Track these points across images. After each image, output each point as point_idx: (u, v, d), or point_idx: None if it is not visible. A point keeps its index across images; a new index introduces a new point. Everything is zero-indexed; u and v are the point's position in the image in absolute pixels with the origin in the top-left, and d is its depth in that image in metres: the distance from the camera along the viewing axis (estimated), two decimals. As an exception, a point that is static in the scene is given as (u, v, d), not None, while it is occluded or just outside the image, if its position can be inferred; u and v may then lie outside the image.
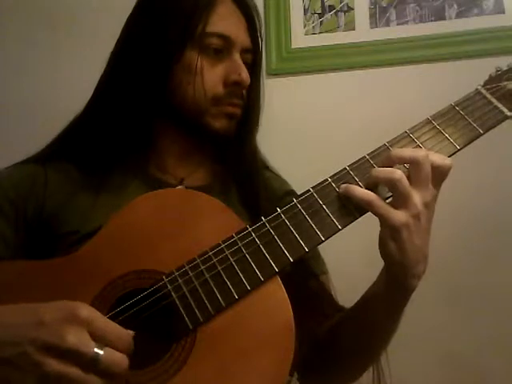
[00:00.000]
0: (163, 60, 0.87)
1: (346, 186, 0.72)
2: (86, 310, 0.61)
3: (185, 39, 0.87)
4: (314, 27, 1.54)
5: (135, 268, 0.73)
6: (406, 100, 1.43)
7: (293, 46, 1.54)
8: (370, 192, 0.71)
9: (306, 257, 0.73)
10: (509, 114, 0.77)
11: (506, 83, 0.79)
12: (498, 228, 1.33)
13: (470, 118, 0.76)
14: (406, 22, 1.49)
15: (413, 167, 0.69)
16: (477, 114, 0.77)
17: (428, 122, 0.77)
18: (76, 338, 0.59)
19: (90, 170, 0.89)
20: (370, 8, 1.51)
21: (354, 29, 1.52)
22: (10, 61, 1.70)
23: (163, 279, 0.71)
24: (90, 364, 0.59)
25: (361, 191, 0.71)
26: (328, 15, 1.54)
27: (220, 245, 0.72)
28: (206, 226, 0.75)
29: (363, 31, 1.51)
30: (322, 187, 0.74)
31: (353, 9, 1.52)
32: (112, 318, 0.67)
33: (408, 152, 0.71)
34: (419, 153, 0.70)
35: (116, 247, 0.75)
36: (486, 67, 0.82)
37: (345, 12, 1.53)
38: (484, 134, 0.77)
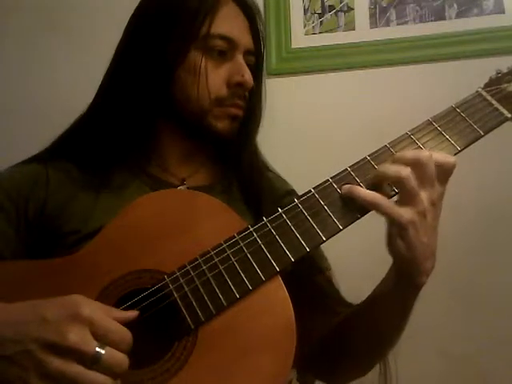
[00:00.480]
0: (167, 61, 0.88)
1: (349, 187, 0.73)
2: (89, 308, 0.61)
3: (189, 40, 0.87)
4: (313, 27, 1.54)
5: (136, 268, 0.74)
6: (406, 100, 1.43)
7: (293, 46, 1.54)
8: (373, 192, 0.72)
9: (311, 253, 0.73)
10: (509, 115, 0.77)
11: (506, 85, 0.79)
12: (498, 228, 1.34)
13: (470, 119, 0.77)
14: (406, 22, 1.49)
15: (417, 168, 0.70)
16: (477, 115, 0.77)
17: (429, 123, 0.77)
18: (78, 337, 0.59)
19: (91, 169, 0.89)
20: (370, 8, 1.51)
21: (353, 29, 1.52)
22: (10, 61, 1.69)
23: (165, 279, 0.72)
24: (92, 363, 0.59)
25: (364, 192, 0.72)
26: (328, 15, 1.54)
27: (222, 244, 0.72)
28: (207, 226, 0.75)
29: (363, 31, 1.51)
30: (323, 188, 0.74)
31: (353, 9, 1.53)
32: (113, 318, 0.67)
33: (411, 153, 0.71)
34: (422, 153, 0.70)
35: (117, 247, 0.75)
36: (486, 67, 0.83)
37: (345, 12, 1.53)
38: (484, 135, 0.77)
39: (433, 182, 0.70)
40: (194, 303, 0.70)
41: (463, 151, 0.76)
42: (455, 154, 0.75)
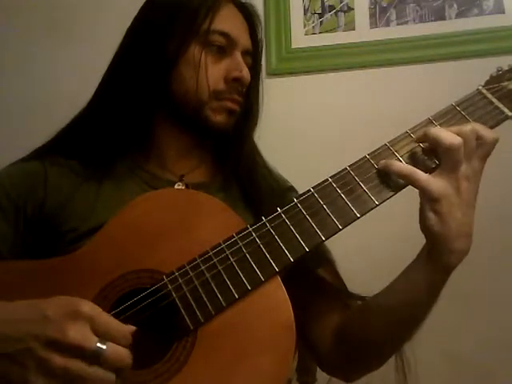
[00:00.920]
0: (168, 55, 0.89)
1: (386, 161, 0.74)
2: (88, 306, 0.61)
3: (190, 36, 0.89)
4: (314, 27, 1.54)
5: (135, 268, 0.73)
6: (406, 100, 1.43)
7: (293, 46, 1.54)
8: (408, 165, 0.72)
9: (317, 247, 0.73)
10: (509, 114, 0.77)
11: (506, 83, 0.79)
12: (498, 228, 1.33)
13: (470, 117, 0.76)
14: (406, 22, 1.49)
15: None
16: (477, 114, 0.77)
17: (429, 121, 0.77)
18: (78, 334, 0.59)
19: (89, 167, 0.89)
20: (370, 8, 1.51)
21: (353, 29, 1.52)
22: (10, 61, 1.69)
23: (164, 279, 0.71)
24: (94, 359, 0.59)
25: (400, 165, 0.72)
26: (328, 15, 1.54)
27: (220, 244, 0.72)
28: (206, 226, 0.75)
29: (363, 31, 1.51)
30: (322, 187, 0.74)
31: (353, 9, 1.52)
32: (112, 318, 0.67)
33: (454, 128, 0.71)
34: (465, 127, 0.71)
35: (116, 247, 0.75)
36: (486, 67, 0.82)
37: (345, 12, 1.53)
38: (485, 134, 0.76)
39: (471, 157, 0.70)
40: (192, 303, 0.70)
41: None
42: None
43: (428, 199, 0.70)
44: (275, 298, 0.71)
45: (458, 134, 0.70)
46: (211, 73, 0.89)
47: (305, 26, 1.55)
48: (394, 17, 1.50)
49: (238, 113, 0.93)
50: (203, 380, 0.68)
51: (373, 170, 0.74)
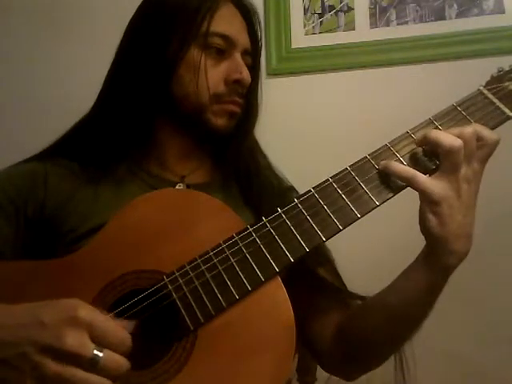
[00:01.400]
0: (167, 59, 0.89)
1: (386, 162, 0.73)
2: (86, 311, 0.61)
3: (189, 39, 0.88)
4: (314, 27, 1.54)
5: (135, 268, 0.73)
6: (406, 100, 1.43)
7: (293, 46, 1.54)
8: (408, 167, 0.72)
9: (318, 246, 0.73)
10: (510, 114, 0.76)
11: (507, 83, 0.78)
12: (498, 227, 1.33)
13: (471, 118, 0.76)
14: (406, 22, 1.49)
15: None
16: (478, 114, 0.76)
17: (430, 122, 0.76)
18: (75, 340, 0.59)
19: (91, 167, 0.90)
20: (369, 8, 1.51)
21: (354, 29, 1.52)
22: (10, 61, 1.69)
23: (164, 279, 0.71)
24: (90, 366, 0.59)
25: (400, 167, 0.72)
26: (328, 15, 1.54)
27: (221, 245, 0.72)
28: (206, 226, 0.75)
29: (363, 31, 1.51)
30: (323, 187, 0.74)
31: (353, 9, 1.52)
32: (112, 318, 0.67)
33: (456, 130, 0.71)
34: (466, 129, 0.70)
35: (116, 247, 0.75)
36: (486, 67, 0.82)
37: (345, 12, 1.53)
38: (486, 134, 0.76)
39: (471, 159, 0.70)
40: (193, 304, 0.70)
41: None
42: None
43: (428, 201, 0.70)
44: (275, 298, 0.70)
45: (458, 136, 0.70)
46: (211, 75, 0.89)
47: (305, 26, 1.54)
48: (393, 17, 1.49)
49: (238, 114, 0.93)
50: (203, 380, 0.68)
51: (373, 171, 0.74)
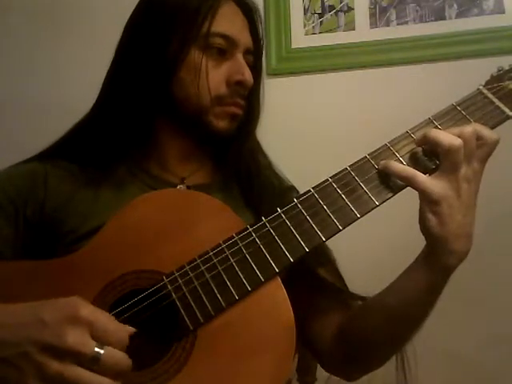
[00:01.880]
0: (168, 60, 0.88)
1: (386, 161, 0.73)
2: (87, 309, 0.61)
3: (190, 39, 0.87)
4: (314, 27, 1.54)
5: (135, 268, 0.73)
6: (405, 100, 1.43)
7: (293, 46, 1.54)
8: (408, 167, 0.72)
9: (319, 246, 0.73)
10: (510, 114, 0.76)
11: (507, 83, 0.78)
12: (498, 227, 1.33)
13: (471, 118, 0.76)
14: (406, 22, 1.49)
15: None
16: (478, 114, 0.76)
17: (429, 121, 0.76)
18: (76, 338, 0.59)
19: (91, 168, 0.89)
20: (369, 8, 1.51)
21: (353, 29, 1.52)
22: (10, 61, 1.69)
23: (163, 279, 0.71)
24: (91, 364, 0.59)
25: (399, 166, 0.72)
26: (328, 15, 1.54)
27: (220, 245, 0.72)
28: (206, 226, 0.75)
29: (363, 31, 1.50)
30: (322, 187, 0.74)
31: (353, 9, 1.52)
32: (112, 319, 0.67)
33: (456, 129, 0.71)
34: (466, 128, 0.70)
35: (116, 247, 0.75)
36: (486, 67, 0.82)
37: (345, 12, 1.53)
38: (485, 134, 0.76)
39: (471, 159, 0.70)
40: (192, 304, 0.70)
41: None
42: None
43: (427, 201, 0.70)
44: (275, 298, 0.70)
45: (458, 136, 0.70)
46: (212, 77, 0.88)
47: (305, 26, 1.54)
48: (393, 17, 1.49)
49: (240, 116, 0.92)
50: (203, 380, 0.68)
51: (373, 171, 0.74)
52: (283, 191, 0.97)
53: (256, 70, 0.95)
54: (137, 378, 0.68)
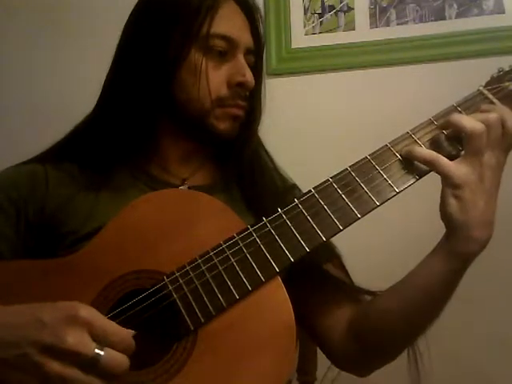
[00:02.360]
0: (168, 62, 0.87)
1: (408, 147, 0.73)
2: (86, 311, 0.61)
3: (190, 41, 0.87)
4: (314, 27, 1.54)
5: (136, 268, 0.73)
6: (406, 100, 1.43)
7: (293, 46, 1.54)
8: (432, 151, 0.72)
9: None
10: (510, 114, 0.77)
11: (507, 84, 0.78)
12: (498, 227, 1.33)
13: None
14: (406, 22, 1.49)
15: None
16: None
17: (430, 122, 0.77)
18: (76, 339, 0.59)
19: (92, 170, 0.89)
20: (370, 8, 1.51)
21: (353, 29, 1.52)
22: (11, 61, 1.69)
23: (164, 279, 0.71)
24: (91, 365, 0.59)
25: (423, 150, 0.72)
26: (328, 15, 1.54)
27: (221, 245, 0.72)
28: (206, 227, 0.75)
29: (363, 31, 1.50)
30: (323, 187, 0.74)
31: (353, 9, 1.52)
32: (112, 319, 0.67)
33: (481, 115, 0.71)
34: (491, 115, 0.70)
35: (116, 247, 0.75)
36: (486, 67, 0.82)
37: (345, 12, 1.53)
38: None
39: (495, 145, 0.70)
40: (193, 304, 0.70)
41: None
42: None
43: (450, 185, 0.70)
44: (275, 298, 0.71)
45: (482, 121, 0.70)
46: (213, 79, 0.87)
47: (305, 26, 1.54)
48: (394, 17, 1.49)
49: (242, 118, 0.91)
50: (203, 380, 0.68)
51: (374, 171, 0.74)
52: (286, 190, 0.97)
53: (257, 69, 0.95)
54: (137, 378, 0.68)
